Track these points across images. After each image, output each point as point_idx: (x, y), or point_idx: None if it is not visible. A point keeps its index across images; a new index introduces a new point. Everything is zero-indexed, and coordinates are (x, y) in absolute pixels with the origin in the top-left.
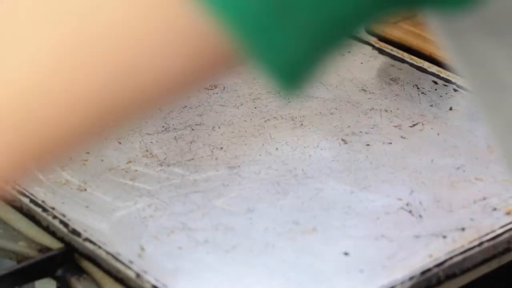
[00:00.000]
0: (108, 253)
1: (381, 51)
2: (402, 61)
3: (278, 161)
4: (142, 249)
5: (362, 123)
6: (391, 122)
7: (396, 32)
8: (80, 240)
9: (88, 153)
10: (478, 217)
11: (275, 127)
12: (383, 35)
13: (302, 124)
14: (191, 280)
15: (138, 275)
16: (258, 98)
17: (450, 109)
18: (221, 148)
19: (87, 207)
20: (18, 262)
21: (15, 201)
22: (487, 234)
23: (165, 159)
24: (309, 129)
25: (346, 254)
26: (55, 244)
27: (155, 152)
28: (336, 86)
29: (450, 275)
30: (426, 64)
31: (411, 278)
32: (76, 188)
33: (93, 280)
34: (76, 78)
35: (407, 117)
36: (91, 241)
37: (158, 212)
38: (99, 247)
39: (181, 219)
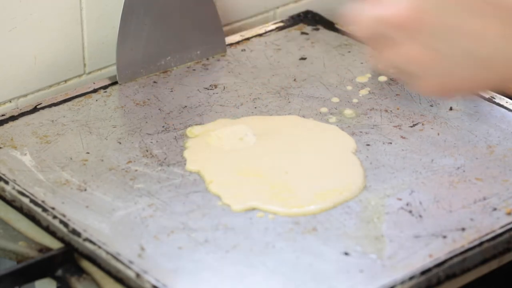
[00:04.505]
0: (108, 253)
1: None
2: None
3: None
4: (142, 249)
5: (362, 123)
6: (391, 122)
7: None
8: (80, 240)
9: (88, 153)
10: (478, 217)
11: None
12: None
13: None
14: (191, 280)
15: (138, 275)
16: (258, 98)
17: (450, 109)
18: None
19: (87, 207)
20: (18, 262)
21: (15, 201)
22: (487, 234)
23: (165, 159)
24: None
25: (346, 254)
26: (55, 244)
27: (155, 152)
28: (336, 86)
29: (450, 275)
30: None
31: (411, 278)
32: (76, 188)
33: (93, 280)
34: None
35: (407, 117)
36: (91, 241)
37: (158, 212)
38: (99, 247)
39: (181, 219)
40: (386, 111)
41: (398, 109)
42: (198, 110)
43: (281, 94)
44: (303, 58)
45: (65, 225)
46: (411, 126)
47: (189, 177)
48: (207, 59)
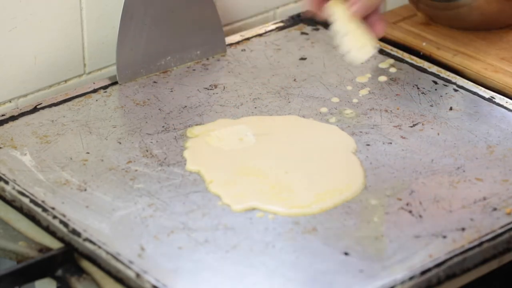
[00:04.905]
0: (108, 253)
1: (381, 51)
2: (402, 61)
3: None
4: (142, 249)
5: (362, 123)
6: (391, 122)
7: (396, 32)
8: (80, 240)
9: (88, 153)
10: (478, 217)
11: None
12: (383, 35)
13: None
14: (191, 280)
15: (138, 275)
16: (258, 98)
17: (450, 109)
18: None
19: (87, 207)
20: (18, 262)
21: (15, 201)
22: (487, 234)
23: (165, 159)
24: None
25: (346, 254)
26: (55, 244)
27: (155, 152)
28: (336, 86)
29: (450, 275)
30: (426, 64)
31: (411, 278)
32: (76, 188)
33: (93, 280)
34: None
35: (407, 117)
36: (91, 241)
37: (158, 212)
38: (99, 247)
39: (181, 219)
40: (386, 111)
41: (398, 109)
42: (198, 110)
43: (281, 94)
44: (303, 58)
45: (65, 225)
46: (411, 126)
47: (189, 177)
48: (207, 59)
